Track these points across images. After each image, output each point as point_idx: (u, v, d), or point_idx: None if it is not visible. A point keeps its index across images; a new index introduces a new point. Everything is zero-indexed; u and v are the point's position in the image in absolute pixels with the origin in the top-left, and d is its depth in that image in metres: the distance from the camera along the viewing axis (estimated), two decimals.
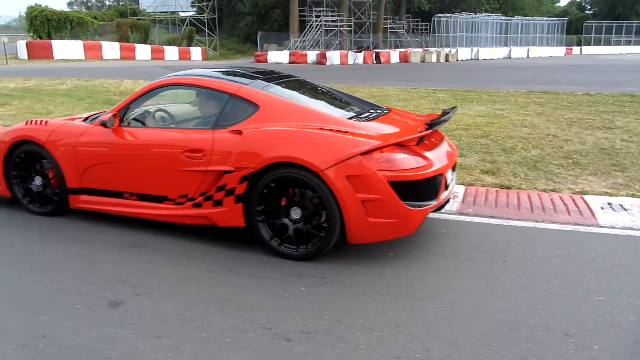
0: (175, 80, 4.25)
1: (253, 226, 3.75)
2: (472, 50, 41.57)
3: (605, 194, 5.20)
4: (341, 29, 40.13)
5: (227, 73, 4.33)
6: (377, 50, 37.63)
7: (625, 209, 4.70)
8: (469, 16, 42.45)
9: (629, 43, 54.11)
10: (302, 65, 32.90)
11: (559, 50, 48.90)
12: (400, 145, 3.58)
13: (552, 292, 3.24)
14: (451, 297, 3.16)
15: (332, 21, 39.89)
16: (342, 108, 4.20)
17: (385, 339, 2.69)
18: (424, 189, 3.55)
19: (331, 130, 3.62)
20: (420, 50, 39.24)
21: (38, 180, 4.52)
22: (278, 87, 4.13)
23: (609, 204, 4.86)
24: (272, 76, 4.37)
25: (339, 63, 34.10)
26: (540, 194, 5.21)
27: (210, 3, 38.48)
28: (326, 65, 33.14)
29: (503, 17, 45.82)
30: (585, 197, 5.08)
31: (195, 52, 35.16)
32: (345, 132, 3.59)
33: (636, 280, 3.37)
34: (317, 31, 39.14)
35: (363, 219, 3.46)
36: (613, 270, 3.53)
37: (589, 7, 64.18)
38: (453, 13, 43.24)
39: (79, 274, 3.41)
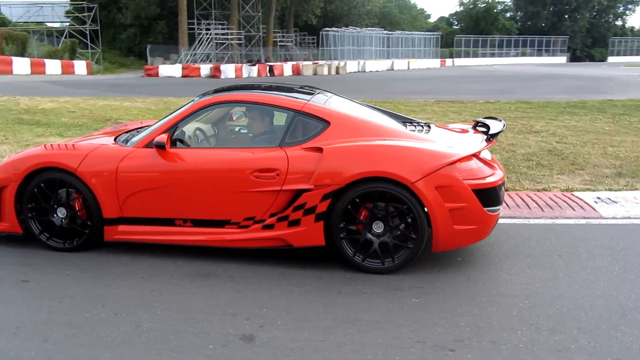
0: (230, 97, 4.08)
1: (334, 244, 3.71)
2: (359, 62, 43.41)
3: (588, 189, 5.85)
4: (232, 42, 39.84)
5: (277, 89, 4.24)
6: (271, 64, 37.88)
7: (614, 202, 5.34)
8: (354, 30, 44.38)
9: (492, 55, 60.22)
10: (198, 79, 32.13)
11: (435, 62, 52.89)
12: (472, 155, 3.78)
13: (622, 278, 3.63)
14: (548, 292, 3.41)
15: (223, 34, 39.45)
16: (397, 122, 4.29)
17: (531, 336, 2.85)
18: (496, 195, 3.78)
19: (411, 143, 3.72)
20: (311, 63, 40.21)
21: (61, 212, 4.05)
22: (335, 103, 4.14)
23: (599, 198, 5.49)
24: (321, 91, 4.36)
25: (234, 76, 33.86)
26: (536, 193, 5.72)
27: (92, 14, 36.13)
28: (221, 78, 32.74)
29: (385, 32, 48.54)
30: (574, 193, 5.68)
31: (80, 66, 32.72)
32: (426, 145, 3.72)
33: None
34: (207, 44, 38.44)
35: (450, 227, 3.60)
36: None
37: (456, 23, 70.44)
38: (340, 27, 44.93)
39: (175, 312, 3.14)
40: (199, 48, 38.18)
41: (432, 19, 72.16)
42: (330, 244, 3.73)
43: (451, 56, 57.30)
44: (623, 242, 4.32)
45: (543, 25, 69.14)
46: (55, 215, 4.06)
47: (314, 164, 3.66)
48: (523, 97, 18.06)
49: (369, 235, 3.69)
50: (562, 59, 64.08)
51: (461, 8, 70.03)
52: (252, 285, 3.53)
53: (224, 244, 3.88)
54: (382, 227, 3.68)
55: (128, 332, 2.90)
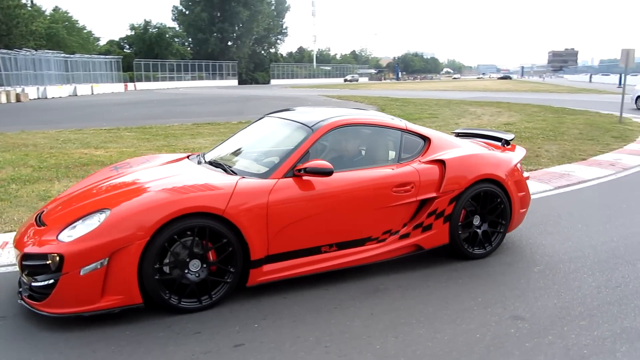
0: (350, 121, 4.26)
1: (453, 241, 4.32)
2: (38, 89, 38.54)
3: None
4: None
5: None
6: None
7: None
8: (28, 53, 39.20)
9: (172, 79, 61.71)
10: None
11: (119, 87, 51.09)
12: None
13: (630, 219, 5.44)
14: (617, 234, 4.89)
15: None
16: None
17: None
18: None
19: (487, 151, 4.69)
20: None
21: (195, 266, 3.42)
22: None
23: None
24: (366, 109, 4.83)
25: None
26: None
27: None
28: None
29: (64, 55, 44.39)
30: None
31: None
32: (497, 151, 4.74)
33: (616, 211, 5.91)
34: None
35: (518, 211, 4.70)
36: (603, 210, 5.97)
37: (128, 47, 68.87)
38: (11, 49, 38.98)
39: (428, 322, 3.32)
40: None
41: (102, 42, 68.92)
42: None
43: (132, 80, 56.28)
44: (569, 206, 6.14)
45: (212, 50, 74.67)
46: (188, 272, 3.41)
47: (437, 174, 4.23)
48: (256, 116, 19.70)
49: (473, 228, 4.47)
50: (234, 82, 70.74)
51: (132, 32, 69.19)
52: (427, 288, 3.87)
53: (366, 261, 4.02)
54: (479, 220, 4.50)
55: (464, 343, 3.03)
